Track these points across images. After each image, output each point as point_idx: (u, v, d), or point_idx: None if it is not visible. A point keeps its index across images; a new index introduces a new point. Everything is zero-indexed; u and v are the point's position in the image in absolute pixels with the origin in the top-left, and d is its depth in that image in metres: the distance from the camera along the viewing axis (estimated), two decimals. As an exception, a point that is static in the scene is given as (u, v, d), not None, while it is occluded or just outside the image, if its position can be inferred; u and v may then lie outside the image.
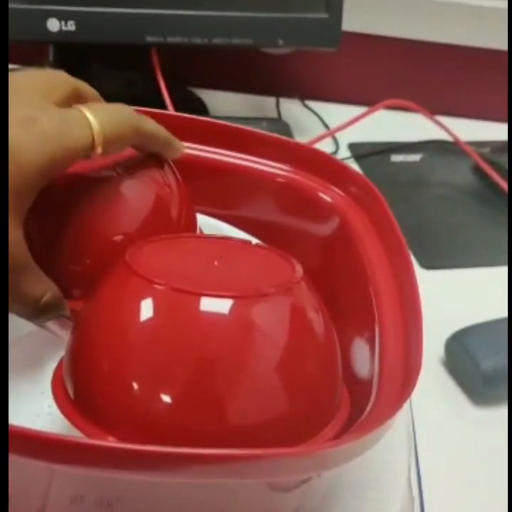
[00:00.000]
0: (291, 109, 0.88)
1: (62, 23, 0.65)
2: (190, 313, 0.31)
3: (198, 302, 0.31)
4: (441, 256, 0.67)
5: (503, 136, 0.87)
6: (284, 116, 0.86)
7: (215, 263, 0.35)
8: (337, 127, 0.80)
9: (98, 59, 0.78)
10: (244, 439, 0.31)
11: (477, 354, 0.51)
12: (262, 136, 0.48)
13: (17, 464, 0.29)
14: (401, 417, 0.47)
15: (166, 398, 0.30)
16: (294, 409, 0.32)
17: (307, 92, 0.90)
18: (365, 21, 0.86)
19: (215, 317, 0.31)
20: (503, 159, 0.78)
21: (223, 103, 0.85)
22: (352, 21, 0.79)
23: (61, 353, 0.36)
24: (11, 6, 0.64)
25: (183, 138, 0.47)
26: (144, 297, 0.32)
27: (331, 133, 0.81)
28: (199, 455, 0.27)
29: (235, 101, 0.87)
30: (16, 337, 0.38)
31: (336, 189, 0.48)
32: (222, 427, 0.31)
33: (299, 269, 0.35)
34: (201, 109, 0.81)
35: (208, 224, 0.47)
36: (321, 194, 0.48)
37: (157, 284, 0.31)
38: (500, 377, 0.50)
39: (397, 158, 0.84)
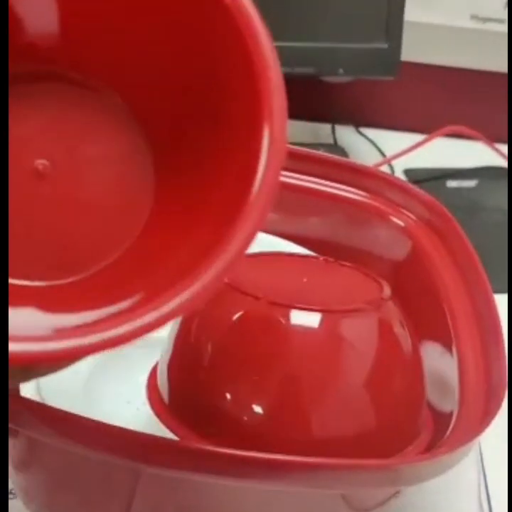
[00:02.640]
0: (346, 135, 0.90)
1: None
2: (282, 327, 0.32)
3: (290, 315, 0.32)
4: (496, 281, 0.67)
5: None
6: (339, 143, 0.87)
7: (305, 280, 0.36)
8: (396, 154, 0.81)
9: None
10: (328, 452, 0.31)
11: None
12: (337, 161, 0.50)
13: (106, 468, 0.30)
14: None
15: (257, 409, 0.32)
16: (379, 425, 0.33)
17: (361, 119, 0.92)
18: (421, 51, 0.87)
19: (305, 331, 0.32)
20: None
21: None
22: (408, 51, 0.80)
23: (143, 367, 0.38)
24: None
25: None
26: (241, 310, 0.33)
27: (389, 160, 0.82)
28: (289, 462, 0.28)
29: (291, 127, 0.88)
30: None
31: (409, 214, 0.49)
32: (307, 439, 0.32)
33: (387, 288, 0.36)
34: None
35: (279, 245, 0.49)
36: (393, 218, 0.49)
37: (253, 297, 0.33)
38: None
39: (452, 184, 0.84)
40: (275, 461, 0.28)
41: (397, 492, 0.36)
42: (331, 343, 0.33)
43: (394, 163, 0.83)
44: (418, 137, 0.81)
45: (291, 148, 0.51)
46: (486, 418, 0.32)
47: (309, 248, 0.49)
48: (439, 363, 0.41)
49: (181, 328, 0.35)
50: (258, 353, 0.33)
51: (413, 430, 0.35)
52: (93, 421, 0.28)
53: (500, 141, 0.83)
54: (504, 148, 0.81)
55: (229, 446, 0.30)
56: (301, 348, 0.32)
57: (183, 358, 0.35)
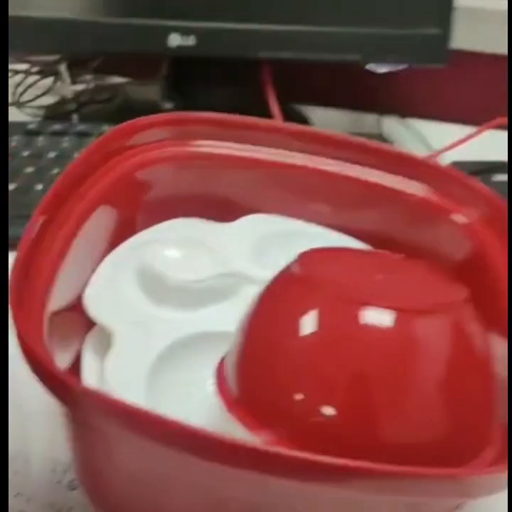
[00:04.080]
0: (391, 126, 0.87)
1: (183, 37, 0.66)
2: (354, 324, 0.31)
3: (362, 312, 0.31)
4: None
5: None
6: (384, 134, 0.85)
7: (378, 276, 0.35)
8: (445, 147, 0.79)
9: (208, 74, 0.79)
10: (396, 458, 0.30)
11: None
12: (396, 153, 0.48)
13: (167, 458, 0.30)
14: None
15: (327, 409, 0.31)
16: (451, 432, 0.32)
17: (407, 109, 0.90)
18: (471, 38, 0.85)
19: (378, 329, 0.31)
20: None
21: (325, 119, 0.85)
22: (458, 37, 0.78)
23: (205, 361, 0.37)
24: (134, 21, 0.65)
25: (319, 152, 0.48)
26: (311, 305, 0.32)
27: (438, 153, 0.79)
28: (359, 468, 0.27)
29: (336, 117, 0.87)
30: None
31: (471, 211, 0.47)
32: (375, 443, 0.31)
33: (465, 290, 0.34)
34: (305, 124, 0.81)
35: (338, 239, 0.47)
36: (454, 215, 0.47)
37: (324, 291, 0.32)
38: None
39: (499, 177, 0.82)
40: (344, 466, 0.27)
41: (461, 504, 0.35)
42: (405, 343, 0.32)
43: (442, 156, 0.81)
44: (466, 129, 0.79)
45: (349, 138, 0.49)
46: None
47: (370, 245, 0.48)
48: (502, 371, 0.39)
49: (253, 320, 0.35)
50: (330, 352, 0.32)
51: (484, 439, 0.34)
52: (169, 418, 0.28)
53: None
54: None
55: (298, 446, 0.30)
56: (374, 348, 0.31)
57: (255, 352, 0.34)
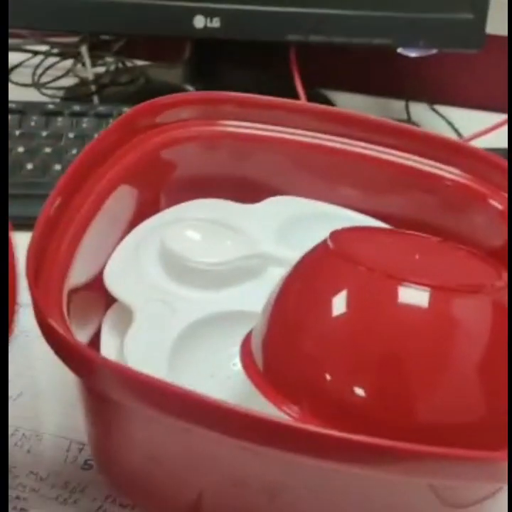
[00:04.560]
0: (420, 112, 0.86)
1: (208, 19, 0.64)
2: (391, 302, 0.30)
3: (399, 289, 0.30)
4: None
5: None
6: (412, 120, 0.83)
7: (416, 257, 0.34)
8: (474, 134, 0.76)
9: (231, 57, 0.77)
10: (431, 440, 0.29)
11: None
12: (430, 136, 0.46)
13: (187, 435, 0.29)
14: None
15: (358, 389, 0.30)
16: (487, 415, 0.31)
17: (436, 96, 0.87)
18: (504, 23, 0.82)
19: (414, 308, 0.30)
20: None
21: (351, 104, 0.83)
22: (493, 22, 0.75)
23: (228, 341, 0.36)
24: (158, 2, 0.64)
25: (348, 134, 0.46)
26: (346, 280, 0.31)
27: (467, 141, 0.77)
28: (395, 448, 0.26)
29: (363, 102, 0.85)
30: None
31: (507, 196, 0.45)
32: (410, 424, 0.30)
33: (505, 275, 0.33)
34: (331, 109, 0.79)
35: (358, 220, 0.46)
36: (490, 200, 0.45)
37: (360, 266, 0.31)
38: None
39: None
40: (379, 445, 0.26)
41: (496, 491, 0.33)
42: (443, 322, 0.31)
43: (473, 144, 0.79)
44: (494, 116, 0.77)
45: (380, 121, 0.48)
46: None
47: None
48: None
49: (282, 295, 0.34)
50: (363, 330, 0.31)
51: None
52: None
53: None
54: None
55: (326, 424, 0.29)
56: (410, 327, 0.30)
57: (284, 329, 0.33)
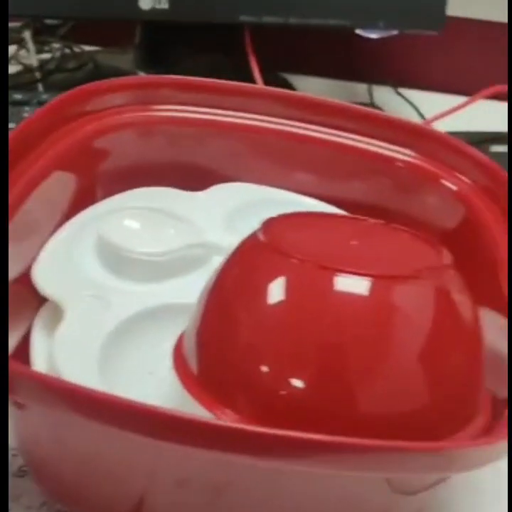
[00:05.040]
0: (384, 96, 0.84)
1: (156, 0, 0.62)
2: (326, 292, 0.29)
3: (335, 279, 0.29)
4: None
5: None
6: (375, 103, 0.82)
7: (354, 242, 0.33)
8: (435, 116, 0.75)
9: (184, 41, 0.75)
10: (375, 431, 0.28)
11: None
12: (383, 118, 0.45)
13: (124, 440, 0.28)
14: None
15: (297, 381, 0.29)
16: (433, 403, 0.30)
17: (400, 79, 0.86)
18: (464, 5, 0.81)
19: (353, 297, 0.29)
20: None
21: (313, 88, 0.82)
22: (452, 4, 0.74)
23: (168, 335, 0.35)
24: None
25: (300, 118, 0.45)
26: (279, 272, 0.30)
27: (428, 122, 0.76)
28: (329, 442, 0.25)
29: (325, 86, 0.83)
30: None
31: (463, 177, 0.44)
32: (352, 415, 0.29)
33: (447, 255, 0.32)
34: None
35: (312, 205, 0.44)
36: (444, 181, 0.44)
37: (292, 258, 0.30)
38: None
39: (497, 148, 0.78)
40: (318, 441, 0.25)
41: (447, 476, 0.33)
42: (381, 311, 0.29)
43: (435, 126, 0.78)
44: (459, 99, 0.75)
45: (332, 103, 0.46)
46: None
47: (356, 214, 0.44)
48: (494, 339, 0.37)
49: (214, 292, 0.32)
50: (300, 321, 0.29)
51: (470, 410, 0.31)
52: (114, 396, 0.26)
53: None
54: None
55: (264, 423, 0.27)
56: (348, 316, 0.29)
57: (216, 325, 0.31)
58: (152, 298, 0.37)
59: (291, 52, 0.82)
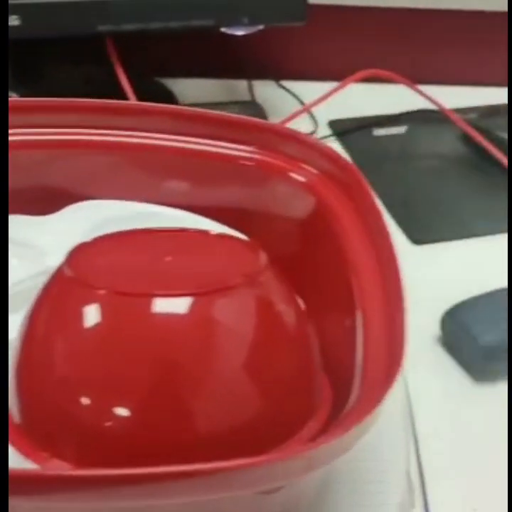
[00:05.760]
0: (266, 90, 0.84)
1: (7, 18, 0.61)
2: (138, 318, 0.29)
3: (146, 304, 0.28)
4: (432, 229, 0.64)
5: (489, 100, 0.83)
6: (258, 99, 0.82)
7: (168, 258, 0.32)
8: (311, 103, 0.76)
9: (52, 55, 0.74)
10: (215, 447, 0.28)
11: (474, 329, 0.47)
12: (221, 118, 0.45)
13: None
14: (397, 402, 0.43)
15: (122, 411, 0.28)
16: (268, 409, 0.30)
17: (281, 72, 0.87)
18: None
19: (168, 319, 0.29)
20: (492, 124, 0.74)
21: (193, 90, 0.82)
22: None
23: None
24: None
25: (141, 126, 0.45)
26: (86, 305, 0.29)
27: (305, 109, 0.77)
28: (153, 474, 0.23)
29: (205, 87, 0.83)
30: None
31: (309, 168, 0.44)
32: (188, 436, 0.28)
33: (263, 258, 0.32)
34: (168, 98, 0.77)
35: (172, 216, 0.44)
36: (292, 174, 0.44)
37: (98, 288, 0.29)
38: (500, 351, 0.46)
39: (380, 132, 0.80)
40: (136, 475, 0.24)
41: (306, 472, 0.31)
42: (196, 329, 0.29)
43: (318, 115, 0.79)
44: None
45: (172, 108, 0.46)
46: (380, 395, 0.28)
47: (211, 217, 0.44)
48: (343, 329, 0.37)
49: (28, 329, 0.31)
50: (114, 349, 0.29)
51: (305, 413, 0.32)
52: None
53: (425, 82, 0.79)
54: (427, 89, 0.76)
55: (94, 463, 0.26)
56: (163, 339, 0.29)
57: (33, 365, 0.30)
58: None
59: (168, 56, 0.82)
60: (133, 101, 0.66)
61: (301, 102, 0.82)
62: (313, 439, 0.30)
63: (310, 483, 0.33)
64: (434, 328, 0.51)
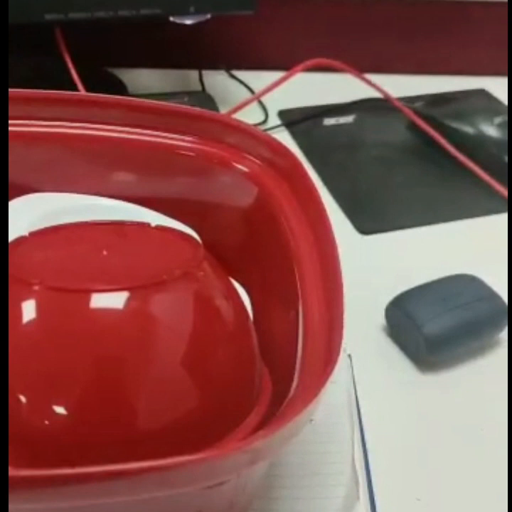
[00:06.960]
0: (217, 80, 0.84)
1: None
2: (74, 313, 0.28)
3: (82, 299, 0.28)
4: (378, 219, 0.64)
5: (435, 88, 0.84)
6: (209, 89, 0.82)
7: (104, 252, 0.32)
8: (259, 92, 0.76)
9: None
10: (156, 443, 0.28)
11: (418, 318, 0.48)
12: (165, 108, 0.44)
13: None
14: (342, 393, 0.44)
15: (60, 409, 0.27)
16: (208, 403, 0.30)
17: (232, 62, 0.86)
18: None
19: (104, 314, 0.28)
20: (438, 112, 0.75)
21: (144, 80, 0.81)
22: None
23: None
24: None
25: (87, 118, 0.44)
26: (21, 301, 0.28)
27: (254, 98, 0.77)
28: (86, 474, 0.23)
29: (156, 77, 0.83)
30: None
31: (251, 157, 0.44)
32: (128, 432, 0.28)
33: (201, 250, 0.32)
34: (119, 88, 0.76)
35: (116, 208, 0.44)
36: (234, 163, 0.44)
37: (33, 284, 0.28)
38: (444, 340, 0.47)
39: (329, 121, 0.80)
40: (65, 475, 0.23)
41: (252, 463, 0.32)
42: (132, 324, 0.29)
43: (268, 106, 0.79)
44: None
45: (117, 99, 0.45)
46: (318, 387, 0.28)
47: (155, 208, 0.44)
48: (287, 320, 0.37)
49: None
50: (51, 346, 0.28)
51: (247, 406, 0.32)
52: None
53: (372, 71, 0.79)
54: (373, 78, 0.77)
55: (34, 463, 0.26)
56: (99, 335, 0.28)
57: None
58: None
59: (120, 46, 0.81)
60: (82, 92, 0.65)
61: (252, 92, 0.82)
62: (254, 432, 0.30)
63: (254, 474, 0.33)
64: (380, 318, 0.51)
